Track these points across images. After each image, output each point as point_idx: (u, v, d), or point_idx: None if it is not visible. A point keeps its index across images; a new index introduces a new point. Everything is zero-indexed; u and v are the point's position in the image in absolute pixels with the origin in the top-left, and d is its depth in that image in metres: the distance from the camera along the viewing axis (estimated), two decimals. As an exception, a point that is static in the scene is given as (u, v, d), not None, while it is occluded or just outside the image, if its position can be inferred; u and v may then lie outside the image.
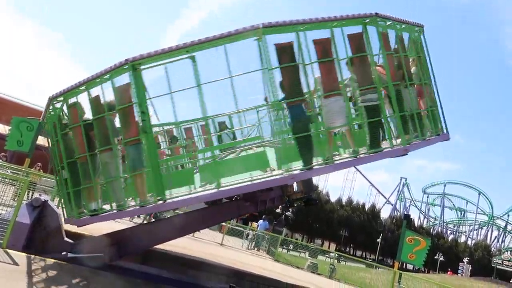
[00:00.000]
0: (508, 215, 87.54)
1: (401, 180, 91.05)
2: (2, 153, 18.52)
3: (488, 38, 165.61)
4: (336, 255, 21.79)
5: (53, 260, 6.93)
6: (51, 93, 7.31)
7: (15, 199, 7.72)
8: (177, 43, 7.06)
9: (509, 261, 48.40)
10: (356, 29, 6.62)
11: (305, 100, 6.41)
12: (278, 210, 13.48)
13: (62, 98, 7.25)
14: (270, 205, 9.70)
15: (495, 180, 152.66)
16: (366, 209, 66.11)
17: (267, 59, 6.13)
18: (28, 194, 12.31)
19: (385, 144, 6.76)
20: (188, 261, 11.02)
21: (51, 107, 7.46)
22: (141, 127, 6.48)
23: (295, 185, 9.76)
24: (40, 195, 9.41)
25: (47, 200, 8.26)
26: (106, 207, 7.26)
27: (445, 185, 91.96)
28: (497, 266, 48.91)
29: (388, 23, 6.99)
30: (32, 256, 6.80)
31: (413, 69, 7.71)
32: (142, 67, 6.46)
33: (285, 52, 6.22)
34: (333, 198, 65.24)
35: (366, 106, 6.52)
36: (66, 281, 6.09)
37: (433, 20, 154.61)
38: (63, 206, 7.94)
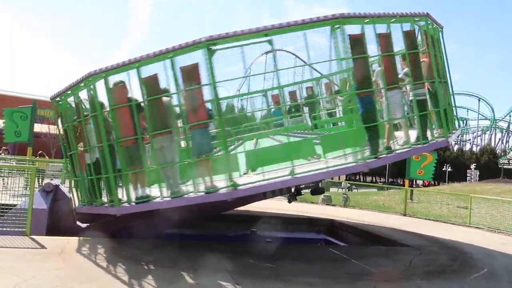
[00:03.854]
0: (510, 116, 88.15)
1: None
2: (3, 147, 18.55)
3: None
4: (347, 184, 22.34)
5: (78, 238, 7.17)
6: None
7: (27, 189, 7.83)
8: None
9: (515, 159, 49.49)
10: (405, 26, 6.97)
11: (373, 92, 6.62)
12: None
13: (104, 75, 6.56)
14: (278, 194, 9.68)
15: (493, 83, 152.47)
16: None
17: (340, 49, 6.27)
18: (38, 181, 12.49)
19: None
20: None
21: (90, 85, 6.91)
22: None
23: None
24: (51, 179, 9.53)
25: (58, 185, 8.40)
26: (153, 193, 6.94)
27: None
28: (504, 167, 50.07)
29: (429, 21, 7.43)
30: (57, 237, 7.04)
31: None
32: (216, 47, 6.13)
33: (358, 43, 6.32)
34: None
35: (418, 100, 6.99)
36: (96, 253, 6.34)
37: None
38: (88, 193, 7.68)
